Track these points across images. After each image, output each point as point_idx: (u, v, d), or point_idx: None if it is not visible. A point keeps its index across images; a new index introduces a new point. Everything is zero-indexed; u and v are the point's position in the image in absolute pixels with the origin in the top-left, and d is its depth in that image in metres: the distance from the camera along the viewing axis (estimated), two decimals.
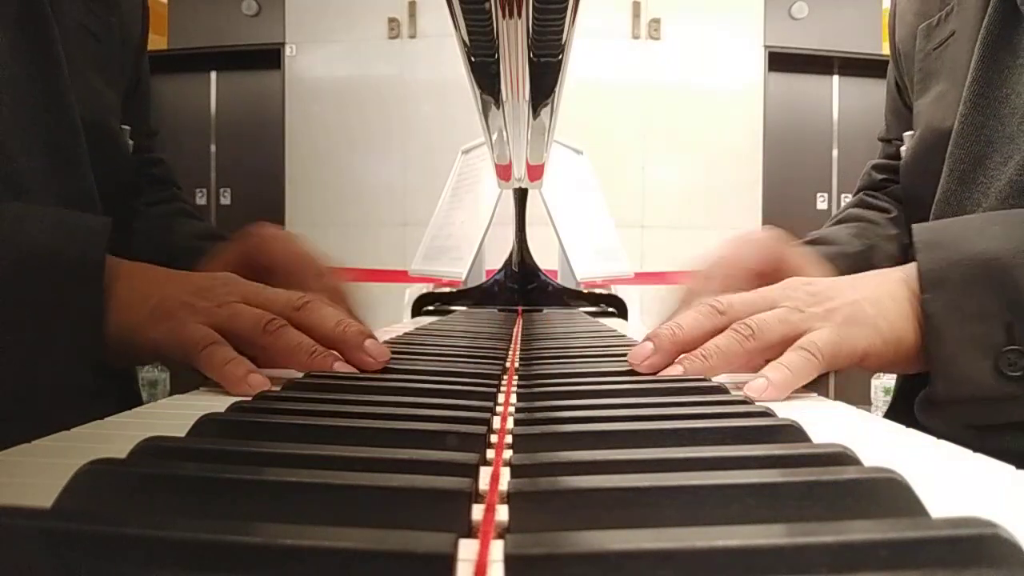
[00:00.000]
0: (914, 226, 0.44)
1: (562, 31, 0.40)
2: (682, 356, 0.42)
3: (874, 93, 3.35)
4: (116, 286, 0.41)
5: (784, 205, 3.26)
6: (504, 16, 0.37)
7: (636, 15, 3.17)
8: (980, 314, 0.39)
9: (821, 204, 3.38)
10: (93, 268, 0.40)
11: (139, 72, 0.72)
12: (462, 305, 1.15)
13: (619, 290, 1.17)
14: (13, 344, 0.37)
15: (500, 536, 0.18)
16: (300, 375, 0.40)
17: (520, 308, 1.11)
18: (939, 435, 0.30)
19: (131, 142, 0.68)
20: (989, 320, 0.39)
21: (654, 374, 0.41)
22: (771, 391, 0.38)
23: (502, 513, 0.19)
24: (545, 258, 1.17)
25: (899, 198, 0.76)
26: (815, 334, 0.40)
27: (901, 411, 0.62)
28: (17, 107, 0.49)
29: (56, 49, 0.52)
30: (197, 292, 0.43)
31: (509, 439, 0.27)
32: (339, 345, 0.43)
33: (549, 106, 0.54)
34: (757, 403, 0.32)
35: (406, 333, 0.68)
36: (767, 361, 0.41)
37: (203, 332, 0.41)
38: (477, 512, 0.19)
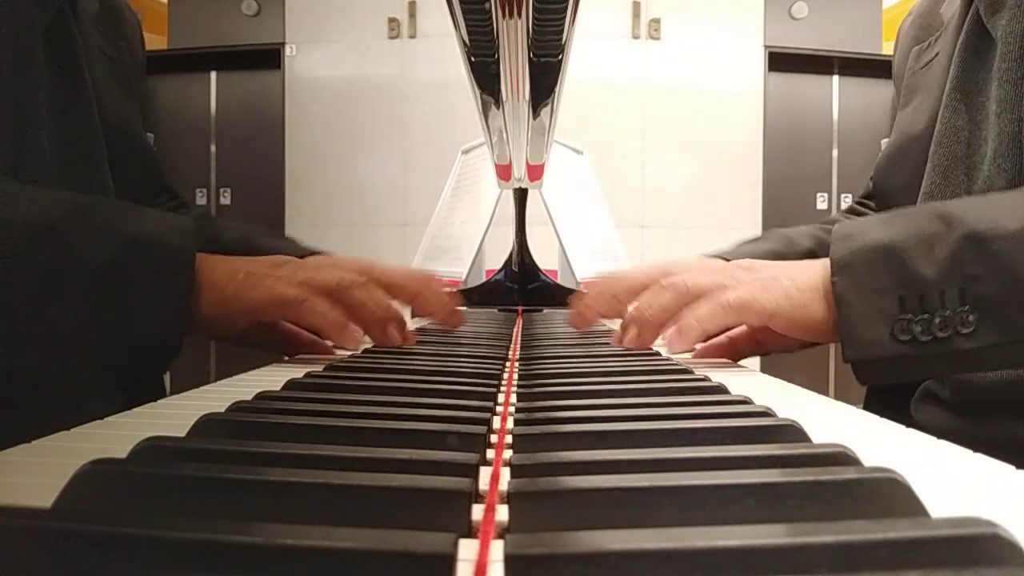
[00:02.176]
0: (835, 224, 0.52)
1: (562, 31, 0.40)
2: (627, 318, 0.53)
3: (874, 93, 3.34)
4: (203, 268, 0.49)
5: (784, 205, 3.26)
6: (504, 16, 0.37)
7: (636, 15, 3.16)
8: (878, 290, 0.47)
9: (821, 204, 3.38)
10: (186, 258, 0.48)
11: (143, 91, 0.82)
12: (462, 305, 1.14)
13: None
14: (112, 321, 0.44)
15: (500, 536, 0.18)
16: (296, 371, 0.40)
17: (520, 308, 1.11)
18: (931, 431, 0.30)
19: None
20: (885, 295, 0.46)
21: (644, 371, 0.44)
22: (678, 336, 0.51)
23: (502, 513, 0.19)
24: (545, 258, 1.17)
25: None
26: (730, 292, 0.50)
27: (877, 402, 0.70)
28: (47, 107, 0.56)
29: (79, 60, 0.60)
30: (273, 266, 0.52)
31: (509, 439, 0.27)
32: (373, 323, 0.53)
33: (549, 106, 0.55)
34: (757, 403, 0.32)
35: None
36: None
37: (297, 290, 0.50)
38: (477, 512, 0.19)
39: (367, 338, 0.55)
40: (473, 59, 0.45)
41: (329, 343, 0.58)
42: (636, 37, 3.18)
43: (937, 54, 0.69)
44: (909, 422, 0.32)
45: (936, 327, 0.45)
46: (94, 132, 0.61)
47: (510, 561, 0.15)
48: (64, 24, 0.59)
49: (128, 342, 0.45)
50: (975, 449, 0.27)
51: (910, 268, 0.46)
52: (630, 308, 0.55)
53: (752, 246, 0.75)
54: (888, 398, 0.68)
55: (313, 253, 0.71)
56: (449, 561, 0.15)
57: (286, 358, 0.58)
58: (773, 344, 0.57)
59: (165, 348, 0.46)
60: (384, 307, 0.54)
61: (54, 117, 0.57)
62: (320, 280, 0.52)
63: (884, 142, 0.80)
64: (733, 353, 0.60)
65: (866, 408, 0.36)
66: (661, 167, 3.21)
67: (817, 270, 0.50)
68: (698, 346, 0.59)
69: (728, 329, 0.56)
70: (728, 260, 0.71)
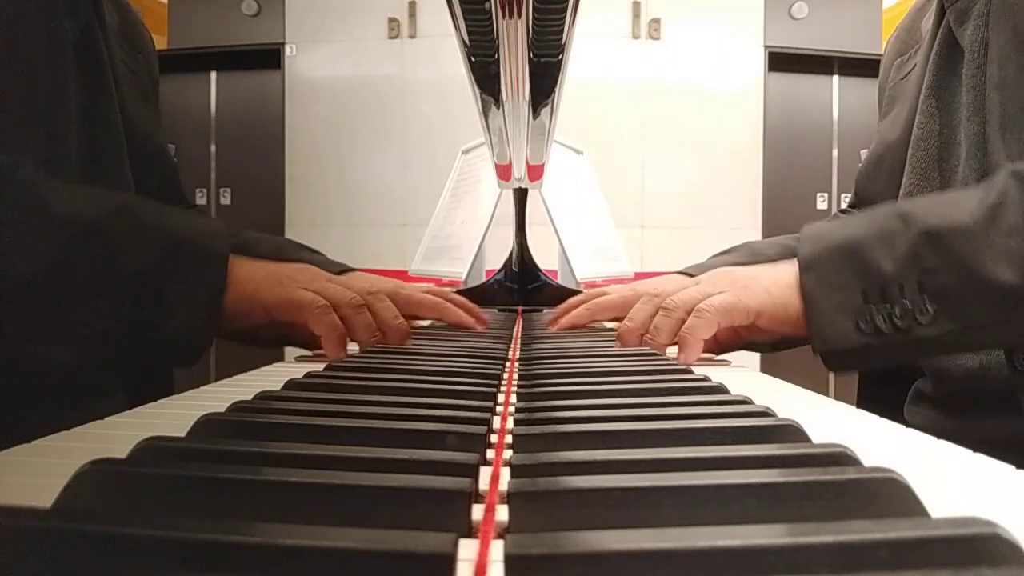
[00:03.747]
0: (804, 226, 0.55)
1: (562, 31, 0.40)
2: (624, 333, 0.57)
3: (874, 93, 3.33)
4: (229, 265, 0.52)
5: (784, 205, 3.25)
6: (504, 16, 0.37)
7: (636, 15, 3.16)
8: (842, 285, 0.50)
9: (821, 204, 3.38)
10: (220, 259, 0.51)
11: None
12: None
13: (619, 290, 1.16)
14: (149, 316, 0.47)
15: (500, 536, 0.18)
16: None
17: (520, 308, 1.11)
18: (923, 431, 0.30)
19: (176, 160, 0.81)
20: (848, 289, 0.49)
21: (644, 371, 0.45)
22: (682, 358, 0.53)
23: (502, 513, 0.19)
24: (545, 258, 1.17)
25: None
26: (712, 298, 0.54)
27: (870, 398, 0.73)
28: (76, 115, 0.58)
29: (105, 71, 0.62)
30: (293, 271, 0.56)
31: (509, 439, 0.27)
32: (390, 331, 0.57)
33: (549, 106, 0.54)
34: (757, 403, 0.32)
35: None
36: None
37: (312, 296, 0.54)
38: (477, 512, 0.19)
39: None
40: (473, 59, 0.45)
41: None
42: (636, 37, 3.17)
43: (915, 66, 0.73)
44: (902, 424, 0.32)
45: (896, 317, 0.48)
46: (118, 141, 0.63)
47: (510, 561, 0.15)
48: (92, 36, 0.61)
49: (163, 336, 0.47)
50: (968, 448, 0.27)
51: (871, 263, 0.49)
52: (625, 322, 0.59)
53: (721, 259, 0.79)
54: (881, 399, 0.69)
55: (345, 269, 0.74)
56: (449, 561, 0.15)
57: (294, 358, 0.59)
58: (752, 337, 0.60)
59: (197, 343, 0.49)
60: (391, 320, 0.58)
61: (82, 124, 0.59)
62: (331, 293, 0.56)
63: (863, 152, 0.84)
64: (715, 346, 0.62)
65: (863, 409, 0.36)
66: (661, 167, 3.21)
67: (790, 268, 0.54)
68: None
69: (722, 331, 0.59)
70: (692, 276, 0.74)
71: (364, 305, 0.57)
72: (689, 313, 0.54)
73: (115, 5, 0.72)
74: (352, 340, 0.57)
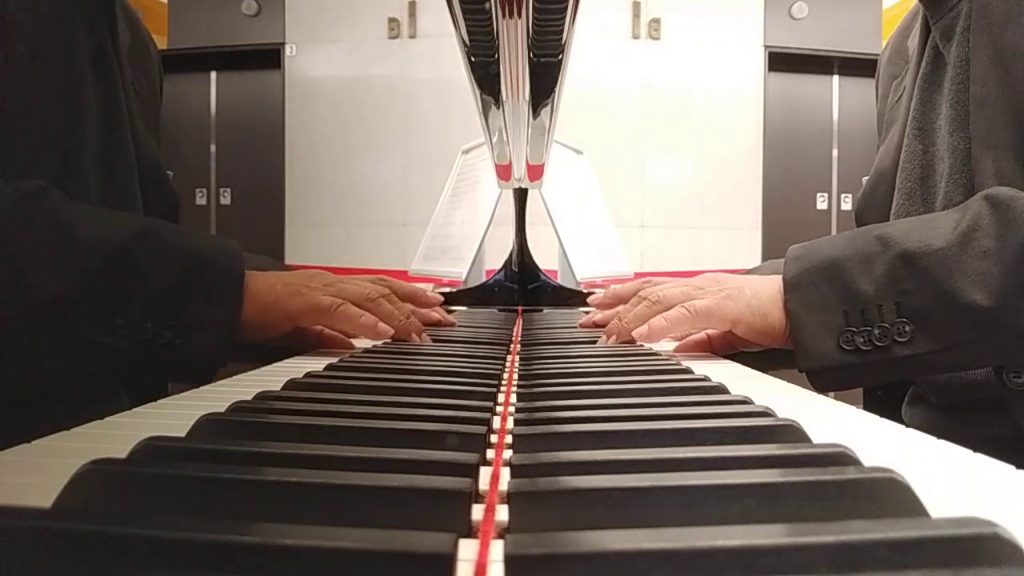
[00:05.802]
0: (791, 246, 0.57)
1: (562, 31, 0.40)
2: (609, 326, 0.61)
3: (874, 93, 3.33)
4: (246, 281, 0.54)
5: (784, 205, 3.25)
6: (504, 16, 0.37)
7: (636, 15, 3.16)
8: (824, 306, 0.52)
9: (821, 204, 3.38)
10: (236, 277, 0.53)
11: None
12: (462, 305, 1.15)
13: None
14: (170, 334, 0.48)
15: (500, 536, 0.18)
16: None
17: (520, 308, 1.11)
18: (924, 431, 0.30)
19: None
20: (831, 310, 0.52)
21: (644, 371, 0.45)
22: (648, 333, 0.57)
23: (502, 513, 0.19)
24: (545, 258, 1.17)
25: None
26: (694, 301, 0.57)
27: (868, 399, 0.75)
28: (93, 136, 0.59)
29: (118, 90, 0.63)
30: (307, 278, 0.59)
31: (509, 439, 0.27)
32: (400, 328, 0.59)
33: (549, 106, 0.55)
34: (757, 403, 0.32)
35: None
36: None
37: (331, 299, 0.56)
38: (477, 512, 0.19)
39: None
40: (473, 59, 0.45)
41: (350, 339, 0.65)
42: (636, 37, 3.18)
43: (905, 87, 0.73)
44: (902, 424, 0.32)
45: (876, 337, 0.50)
46: (129, 159, 0.64)
47: (510, 561, 0.15)
48: (105, 53, 0.61)
49: (181, 355, 0.48)
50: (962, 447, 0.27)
51: (851, 286, 0.51)
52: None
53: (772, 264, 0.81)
54: (879, 400, 0.70)
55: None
56: (449, 561, 0.15)
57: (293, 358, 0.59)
58: (743, 344, 0.61)
59: (213, 360, 0.50)
60: (407, 313, 0.61)
61: (97, 143, 0.59)
62: (350, 291, 0.58)
63: (864, 179, 0.84)
64: (709, 349, 0.63)
65: (865, 410, 0.36)
66: (661, 167, 3.21)
67: (776, 283, 0.56)
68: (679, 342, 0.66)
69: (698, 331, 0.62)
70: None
71: (381, 296, 0.59)
72: (667, 309, 0.57)
73: (128, 22, 0.71)
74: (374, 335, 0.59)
